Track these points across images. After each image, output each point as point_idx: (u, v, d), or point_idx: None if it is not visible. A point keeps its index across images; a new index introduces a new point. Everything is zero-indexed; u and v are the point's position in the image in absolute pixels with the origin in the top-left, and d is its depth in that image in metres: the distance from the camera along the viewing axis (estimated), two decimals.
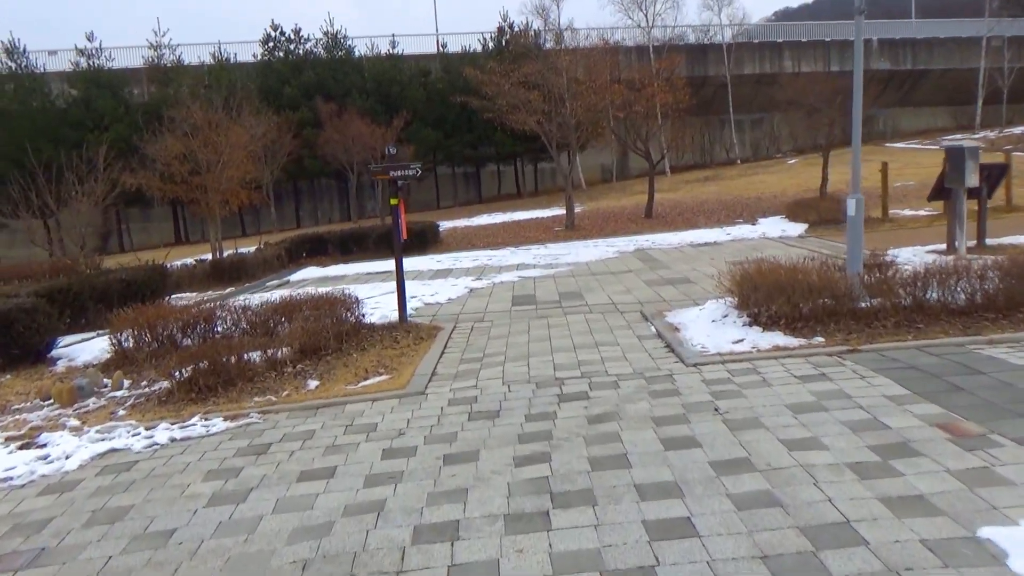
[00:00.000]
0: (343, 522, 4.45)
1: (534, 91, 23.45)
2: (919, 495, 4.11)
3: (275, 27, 40.27)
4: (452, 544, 4.06)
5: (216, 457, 5.80)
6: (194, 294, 17.37)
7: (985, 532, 3.68)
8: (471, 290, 13.47)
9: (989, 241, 12.79)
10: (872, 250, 10.12)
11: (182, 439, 6.36)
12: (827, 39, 46.01)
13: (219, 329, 9.48)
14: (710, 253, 15.86)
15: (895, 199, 20.47)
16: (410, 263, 18.41)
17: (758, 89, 45.11)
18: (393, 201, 9.90)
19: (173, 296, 16.30)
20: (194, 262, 20.05)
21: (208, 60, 39.54)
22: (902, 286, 8.19)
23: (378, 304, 12.47)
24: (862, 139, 9.10)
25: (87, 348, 10.33)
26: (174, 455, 5.96)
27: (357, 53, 41.10)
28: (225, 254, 21.19)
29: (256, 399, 7.31)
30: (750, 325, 8.22)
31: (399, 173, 9.67)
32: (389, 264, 14.75)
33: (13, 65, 37.46)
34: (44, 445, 6.54)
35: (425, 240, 21.97)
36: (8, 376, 9.36)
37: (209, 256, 20.92)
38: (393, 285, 10.99)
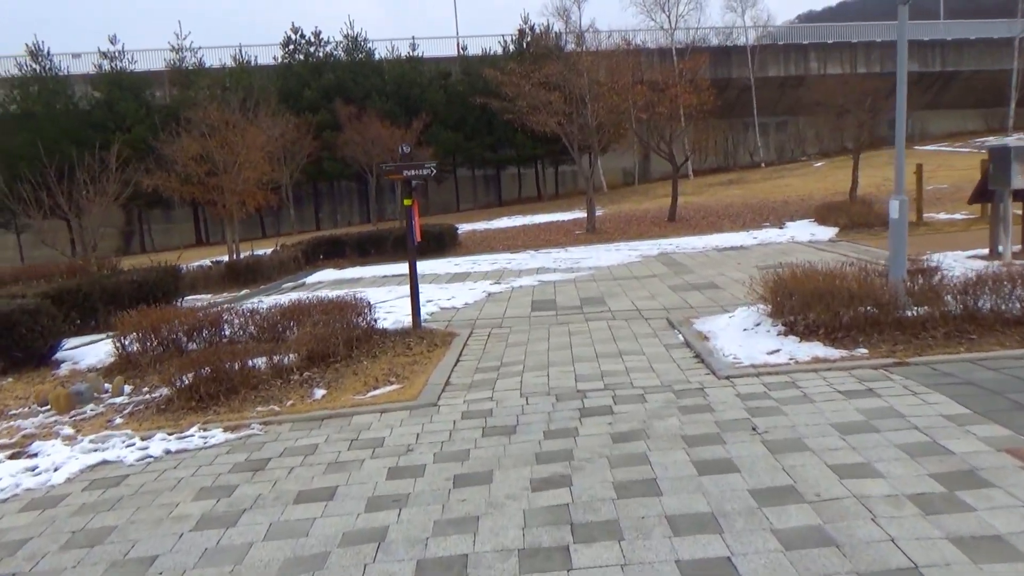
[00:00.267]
0: (339, 553, 4.00)
1: (555, 92, 23.01)
2: (996, 535, 3.58)
3: (295, 30, 40.23)
4: None
5: (210, 473, 5.38)
6: (209, 296, 17.09)
7: None
8: (489, 294, 13.02)
9: None
10: (909, 255, 9.55)
11: (177, 451, 5.95)
12: (853, 40, 45.12)
13: (227, 333, 9.11)
14: (737, 257, 15.31)
15: (929, 202, 19.76)
16: (427, 266, 18.03)
17: (783, 91, 44.39)
18: (407, 202, 9.47)
19: (187, 298, 16.02)
20: (210, 263, 19.80)
21: (229, 63, 39.50)
22: (951, 293, 7.64)
23: (393, 308, 12.06)
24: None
25: (93, 351, 9.99)
26: (167, 469, 5.56)
27: (377, 55, 40.92)
28: (242, 255, 20.95)
29: (259, 409, 6.90)
30: (785, 335, 7.69)
31: (412, 173, 9.24)
32: (406, 267, 14.37)
33: (37, 67, 37.63)
34: (35, 455, 6.17)
35: (443, 243, 21.58)
36: (9, 379, 9.04)
37: (225, 258, 20.67)
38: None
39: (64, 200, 13.81)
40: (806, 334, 7.57)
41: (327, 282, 17.38)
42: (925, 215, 18.26)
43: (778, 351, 7.28)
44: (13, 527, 4.76)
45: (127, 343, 8.91)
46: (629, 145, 35.34)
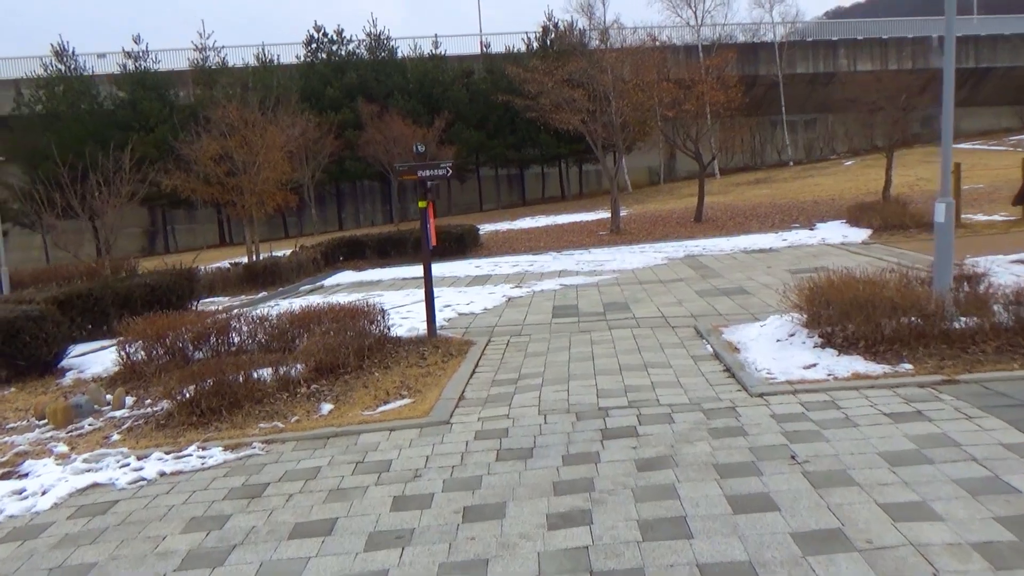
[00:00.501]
0: None
1: (578, 89, 22.55)
2: None
3: (318, 28, 40.04)
4: None
5: (204, 500, 5.02)
6: (226, 298, 16.86)
7: None
8: (509, 299, 12.61)
9: None
10: None
11: (172, 473, 5.61)
12: (884, 37, 43.99)
13: (235, 341, 8.78)
14: (766, 261, 14.75)
15: (965, 203, 18.99)
16: (448, 268, 17.68)
17: (812, 89, 43.44)
18: (421, 204, 9.06)
19: (204, 300, 15.78)
20: (229, 265, 19.57)
21: (252, 62, 39.42)
22: (1000, 303, 7.09)
23: (409, 313, 11.71)
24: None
25: (99, 359, 9.73)
26: (159, 494, 5.20)
27: (400, 54, 40.61)
28: (262, 256, 20.72)
29: (262, 425, 6.54)
30: (822, 347, 7.19)
31: (428, 173, 8.83)
32: None
33: (63, 67, 37.81)
34: (26, 475, 5.86)
35: (464, 244, 21.22)
36: (12, 389, 8.78)
37: (244, 259, 20.46)
38: None
39: (77, 201, 13.58)
40: (845, 347, 7.06)
41: (345, 285, 17.08)
42: (963, 216, 17.55)
43: (815, 365, 6.79)
44: None
45: (132, 351, 8.61)
46: (654, 143, 34.72)
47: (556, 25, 39.77)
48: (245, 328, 8.86)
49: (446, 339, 9.36)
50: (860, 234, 17.60)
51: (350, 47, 40.20)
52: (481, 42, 42.70)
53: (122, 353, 8.69)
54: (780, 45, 42.02)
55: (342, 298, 13.81)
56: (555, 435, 5.67)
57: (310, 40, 40.08)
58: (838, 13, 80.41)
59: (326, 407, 6.91)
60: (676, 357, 7.80)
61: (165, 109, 35.74)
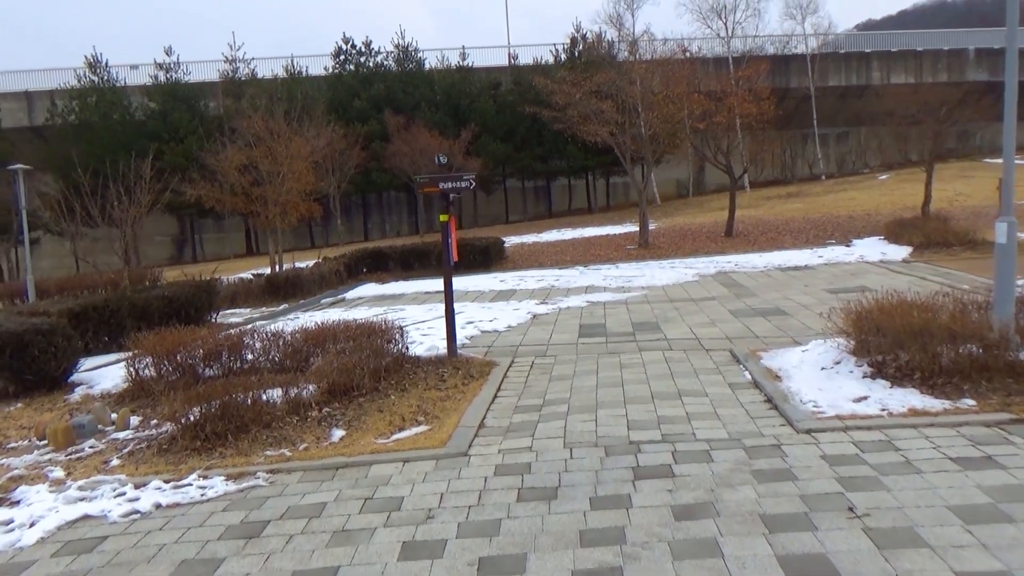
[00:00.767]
0: None
1: (607, 101, 22.12)
2: None
3: (346, 40, 40.05)
4: None
5: (198, 539, 4.61)
6: (247, 310, 16.60)
7: None
8: (534, 316, 12.15)
9: None
10: None
11: (169, 506, 5.21)
12: (919, 49, 43.03)
13: (248, 358, 8.42)
14: (803, 279, 14.15)
15: (1020, 221, 18.20)
16: (471, 282, 17.27)
17: (844, 101, 42.63)
18: (443, 218, 8.63)
19: (224, 312, 15.53)
20: (251, 276, 19.36)
21: (281, 73, 39.53)
22: None
23: (431, 329, 11.27)
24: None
25: (109, 374, 9.41)
26: (152, 530, 4.81)
27: (427, 65, 40.52)
28: (284, 267, 20.50)
29: (268, 452, 6.14)
30: (873, 377, 6.63)
31: (450, 186, 8.41)
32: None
33: (96, 79, 38.19)
34: (17, 502, 5.51)
35: (489, 257, 20.81)
36: (19, 405, 8.49)
37: (267, 270, 20.25)
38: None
39: (96, 210, 13.39)
40: (898, 378, 6.50)
41: (367, 298, 16.74)
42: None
43: (866, 398, 6.24)
44: None
45: (141, 368, 8.28)
46: (683, 155, 34.14)
47: (584, 36, 39.40)
48: (258, 345, 8.49)
49: (467, 359, 8.93)
50: (900, 251, 16.92)
51: (378, 59, 40.19)
52: (509, 54, 42.47)
53: (131, 369, 8.36)
54: (812, 57, 41.26)
55: (363, 311, 13.49)
56: (582, 472, 5.20)
57: (338, 52, 40.11)
58: (869, 25, 79.33)
59: (337, 433, 6.50)
60: (712, 384, 7.29)
61: (194, 120, 35.90)
